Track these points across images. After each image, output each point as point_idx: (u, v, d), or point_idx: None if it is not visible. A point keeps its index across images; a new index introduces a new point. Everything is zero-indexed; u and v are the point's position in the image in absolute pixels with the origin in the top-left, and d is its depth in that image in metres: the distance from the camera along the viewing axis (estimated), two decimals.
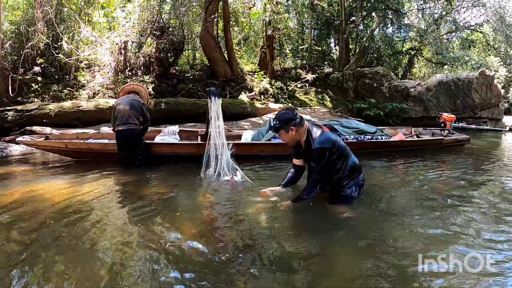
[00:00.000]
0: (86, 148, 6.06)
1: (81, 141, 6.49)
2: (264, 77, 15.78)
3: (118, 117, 5.55)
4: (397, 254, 2.79)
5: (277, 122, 3.65)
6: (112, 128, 5.96)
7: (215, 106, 5.32)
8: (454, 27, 18.53)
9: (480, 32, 20.37)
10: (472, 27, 19.77)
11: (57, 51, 11.45)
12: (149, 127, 6.15)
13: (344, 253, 2.87)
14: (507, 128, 10.16)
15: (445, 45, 18.22)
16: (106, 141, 6.49)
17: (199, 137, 7.08)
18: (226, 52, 15.10)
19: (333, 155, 3.62)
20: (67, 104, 9.63)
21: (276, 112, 11.45)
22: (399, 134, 8.16)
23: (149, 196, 4.28)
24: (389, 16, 17.75)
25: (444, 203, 4.06)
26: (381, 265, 2.60)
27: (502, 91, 15.92)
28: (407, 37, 20.37)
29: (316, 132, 3.63)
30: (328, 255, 2.83)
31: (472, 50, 21.57)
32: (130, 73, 12.32)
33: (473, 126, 10.78)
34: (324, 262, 2.72)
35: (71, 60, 11.46)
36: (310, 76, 16.93)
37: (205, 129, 6.09)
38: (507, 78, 22.63)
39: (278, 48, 18.69)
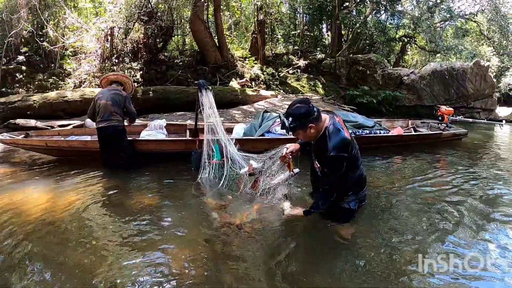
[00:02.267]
0: (67, 146, 5.85)
1: (62, 138, 6.32)
2: (255, 63, 15.63)
3: (99, 113, 5.34)
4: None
5: (292, 121, 3.06)
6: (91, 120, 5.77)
7: (207, 99, 5.08)
8: (448, 15, 18.37)
9: (474, 21, 20.30)
10: (467, 16, 19.66)
11: (41, 39, 11.22)
12: (136, 120, 6.03)
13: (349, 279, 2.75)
14: (504, 122, 10.18)
15: (439, 33, 18.15)
16: (88, 138, 6.31)
17: (187, 131, 6.86)
18: (216, 38, 14.90)
19: (348, 162, 3.15)
20: (52, 94, 9.49)
21: (269, 99, 11.43)
22: (398, 129, 8.21)
23: (135, 209, 3.99)
24: (383, 2, 17.51)
25: (448, 209, 4.07)
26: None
27: (494, 80, 15.95)
28: (400, 24, 20.20)
29: (335, 133, 3.06)
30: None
31: (465, 39, 21.56)
32: (117, 60, 12.16)
33: (470, 120, 10.81)
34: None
35: (56, 48, 11.27)
36: (302, 62, 16.85)
37: (194, 123, 5.95)
38: (500, 68, 22.82)
39: (270, 33, 18.42)
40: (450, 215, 3.86)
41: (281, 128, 3.31)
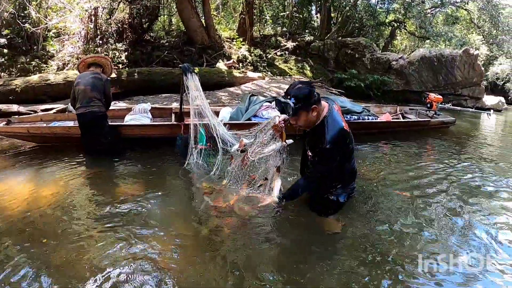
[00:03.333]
0: (49, 132, 5.77)
1: (44, 124, 6.18)
2: (243, 44, 15.59)
3: (79, 99, 5.24)
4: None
5: (296, 101, 2.93)
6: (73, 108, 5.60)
7: (192, 83, 5.04)
8: (439, 2, 18.48)
9: (465, 9, 20.48)
10: (458, 4, 19.81)
11: (23, 21, 11.06)
12: (120, 103, 5.81)
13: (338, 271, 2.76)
14: (491, 111, 10.43)
15: (429, 19, 18.29)
16: (71, 123, 6.15)
17: (172, 114, 6.84)
18: (203, 18, 14.77)
19: (346, 154, 3.17)
20: (34, 78, 9.38)
21: (256, 81, 11.48)
22: (386, 115, 8.29)
23: (120, 198, 3.94)
24: None
25: (435, 200, 4.10)
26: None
27: (482, 69, 16.23)
28: (390, 9, 20.20)
29: (332, 123, 2.99)
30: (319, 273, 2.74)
31: (455, 27, 21.78)
32: (101, 41, 12.06)
33: (458, 108, 11.02)
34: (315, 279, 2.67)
35: (38, 29, 11.15)
36: (290, 44, 16.82)
37: (179, 107, 5.91)
38: (488, 57, 23.09)
39: (258, 14, 18.42)
40: (443, 210, 3.86)
41: (281, 112, 3.21)
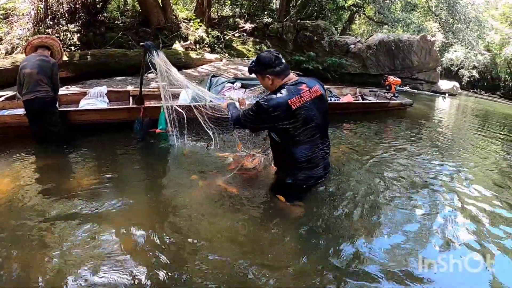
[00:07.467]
0: None
1: None
2: (200, 25, 15.60)
3: (25, 84, 4.89)
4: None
5: (254, 64, 3.26)
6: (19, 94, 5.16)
7: (161, 61, 4.88)
8: None
9: None
10: None
11: None
12: (73, 87, 5.40)
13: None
14: (446, 95, 11.09)
15: (388, 5, 18.89)
16: (21, 111, 5.50)
17: (131, 98, 6.67)
18: None
19: (283, 132, 3.16)
20: None
21: (213, 63, 11.64)
22: (348, 96, 8.72)
23: (78, 191, 3.70)
24: None
25: (403, 187, 4.14)
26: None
27: (438, 55, 17.00)
28: None
29: (283, 92, 3.07)
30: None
31: (413, 14, 22.57)
32: (52, 23, 11.76)
33: (416, 91, 11.62)
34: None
35: None
36: (248, 26, 17.07)
37: (137, 89, 5.73)
38: (444, 43, 24.08)
39: None
40: (418, 198, 3.91)
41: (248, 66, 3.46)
